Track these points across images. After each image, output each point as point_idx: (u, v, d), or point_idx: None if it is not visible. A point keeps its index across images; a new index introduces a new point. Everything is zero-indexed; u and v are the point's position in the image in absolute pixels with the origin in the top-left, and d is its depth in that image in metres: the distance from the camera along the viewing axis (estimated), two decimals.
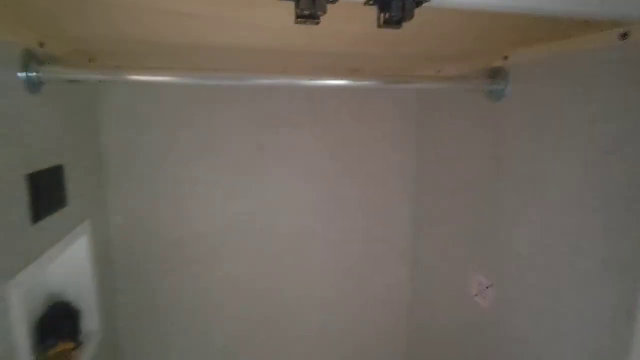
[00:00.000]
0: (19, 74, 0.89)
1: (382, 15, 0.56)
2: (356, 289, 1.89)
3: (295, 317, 1.83)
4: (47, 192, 1.01)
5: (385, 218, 1.85)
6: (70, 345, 1.15)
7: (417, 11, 0.55)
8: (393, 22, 0.55)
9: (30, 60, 0.91)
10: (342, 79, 1.10)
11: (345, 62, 1.34)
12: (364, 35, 0.89)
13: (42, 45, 0.97)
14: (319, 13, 0.53)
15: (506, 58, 1.14)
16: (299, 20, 0.55)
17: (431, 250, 1.72)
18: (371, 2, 0.55)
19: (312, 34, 0.87)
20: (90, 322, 1.33)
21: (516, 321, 1.16)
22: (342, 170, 1.76)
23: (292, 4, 0.53)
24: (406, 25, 0.56)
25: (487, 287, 1.29)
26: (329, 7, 0.53)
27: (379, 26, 0.57)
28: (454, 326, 1.52)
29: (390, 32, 0.60)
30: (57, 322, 1.18)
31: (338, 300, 1.87)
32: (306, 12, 0.53)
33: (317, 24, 0.55)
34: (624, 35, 0.80)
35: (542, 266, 1.05)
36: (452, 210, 1.51)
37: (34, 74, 0.92)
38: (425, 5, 0.55)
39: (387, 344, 1.98)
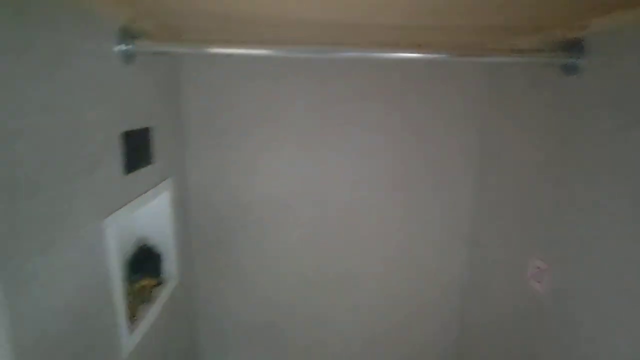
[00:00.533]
0: (117, 47, 1.05)
1: None
2: (411, 267, 1.90)
3: (351, 285, 1.91)
4: (137, 149, 1.18)
5: (446, 198, 1.83)
6: (153, 281, 1.35)
7: None
8: None
9: (125, 34, 1.06)
10: (411, 52, 1.11)
11: (412, 37, 1.33)
12: (432, 5, 0.89)
13: (134, 21, 1.12)
14: None
15: (584, 28, 1.05)
16: None
17: (490, 233, 1.67)
18: None
19: (379, 4, 0.90)
20: (170, 266, 1.54)
21: (572, 307, 1.11)
22: (404, 148, 1.77)
23: None
24: None
25: (545, 272, 1.23)
26: None
27: None
28: (509, 310, 1.48)
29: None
30: (143, 262, 1.40)
31: (391, 275, 1.91)
32: None
33: None
34: None
35: (604, 251, 0.99)
36: (515, 192, 1.44)
37: (129, 46, 1.07)
38: None
39: (439, 323, 1.99)
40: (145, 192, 1.26)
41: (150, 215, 1.47)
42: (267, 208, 1.80)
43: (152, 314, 1.31)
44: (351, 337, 1.98)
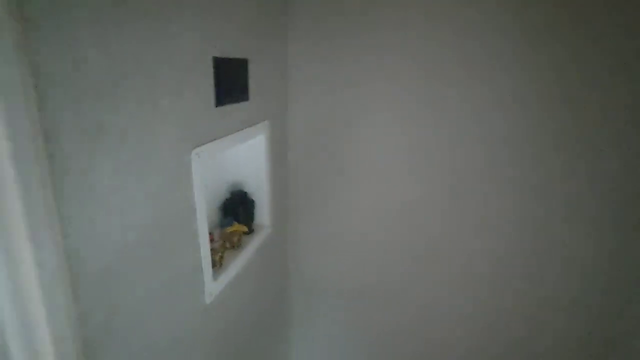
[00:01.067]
0: None
1: None
2: (537, 245, 1.54)
3: (453, 256, 1.64)
4: (231, 80, 1.06)
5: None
6: (243, 228, 1.27)
7: None
8: None
9: None
10: None
11: None
12: None
13: None
14: None
15: None
16: None
17: None
18: None
19: None
20: (262, 215, 1.46)
21: None
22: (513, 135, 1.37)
23: None
24: None
25: None
26: None
27: None
28: None
29: None
30: (235, 207, 1.32)
31: (506, 254, 1.57)
32: None
33: None
34: None
35: None
36: None
37: None
38: None
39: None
40: (239, 130, 1.15)
41: (245, 158, 1.39)
42: (366, 170, 1.60)
43: (240, 261, 1.23)
44: (447, 316, 1.72)
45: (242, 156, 1.39)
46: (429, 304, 1.73)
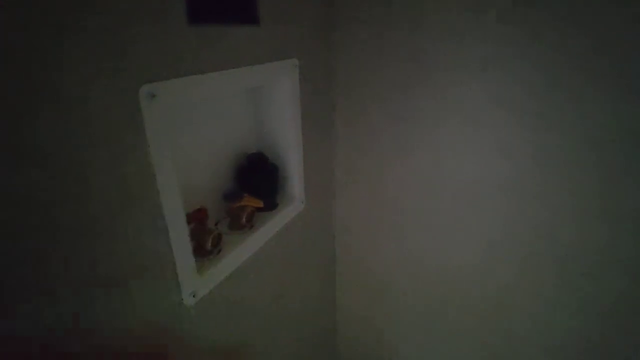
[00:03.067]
0: None
1: None
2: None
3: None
4: None
5: None
6: (257, 202, 0.96)
7: None
8: None
9: None
10: None
11: None
12: None
13: None
14: None
15: None
16: None
17: None
18: None
19: None
20: (293, 187, 1.12)
21: None
22: None
23: None
24: None
25: None
26: None
27: None
28: None
29: None
30: (250, 175, 1.01)
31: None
32: None
33: None
34: None
35: None
36: None
37: None
38: None
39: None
40: (240, 66, 0.81)
41: (266, 111, 1.05)
42: (443, 123, 1.14)
43: (249, 247, 0.92)
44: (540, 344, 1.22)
45: (264, 108, 1.05)
46: (503, 295, 1.25)
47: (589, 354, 1.15)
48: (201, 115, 0.89)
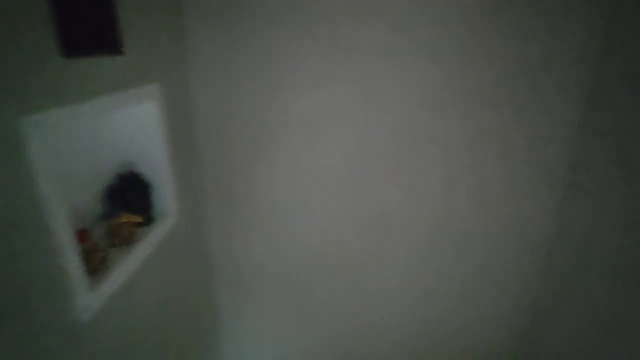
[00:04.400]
0: None
1: None
2: (479, 211, 1.46)
3: (397, 230, 1.51)
4: (85, 19, 0.78)
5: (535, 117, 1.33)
6: (136, 218, 1.02)
7: None
8: None
9: None
10: None
11: None
12: None
13: None
14: None
15: None
16: None
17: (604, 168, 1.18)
18: None
19: None
20: (165, 201, 1.20)
21: None
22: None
23: None
24: None
25: None
26: None
27: None
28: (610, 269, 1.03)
29: None
30: (125, 193, 1.06)
31: (451, 221, 1.48)
32: None
33: None
34: None
35: None
36: None
37: None
38: None
39: (511, 281, 1.56)
40: (111, 92, 0.88)
41: (133, 133, 1.11)
42: (293, 129, 1.39)
43: (134, 260, 0.98)
44: (392, 295, 1.62)
45: (130, 130, 1.11)
46: (372, 281, 1.60)
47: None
48: (77, 140, 0.91)
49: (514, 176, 1.37)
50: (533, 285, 1.52)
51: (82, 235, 0.85)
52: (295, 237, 1.56)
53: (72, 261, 0.75)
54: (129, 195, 1.06)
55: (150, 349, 1.13)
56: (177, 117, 1.24)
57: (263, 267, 1.62)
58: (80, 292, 0.78)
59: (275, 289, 1.66)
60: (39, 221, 0.68)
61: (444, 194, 1.42)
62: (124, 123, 1.09)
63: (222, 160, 1.45)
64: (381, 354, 1.73)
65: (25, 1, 0.64)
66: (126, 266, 0.95)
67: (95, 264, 0.86)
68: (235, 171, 1.46)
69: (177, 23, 1.24)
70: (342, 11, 1.21)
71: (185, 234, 1.35)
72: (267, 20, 1.24)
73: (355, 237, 1.53)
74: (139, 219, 1.03)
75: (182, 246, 1.34)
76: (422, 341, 1.68)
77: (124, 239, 0.98)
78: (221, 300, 1.71)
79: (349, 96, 1.32)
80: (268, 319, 1.73)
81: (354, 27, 1.23)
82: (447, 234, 1.48)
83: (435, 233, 1.49)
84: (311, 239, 1.56)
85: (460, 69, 1.25)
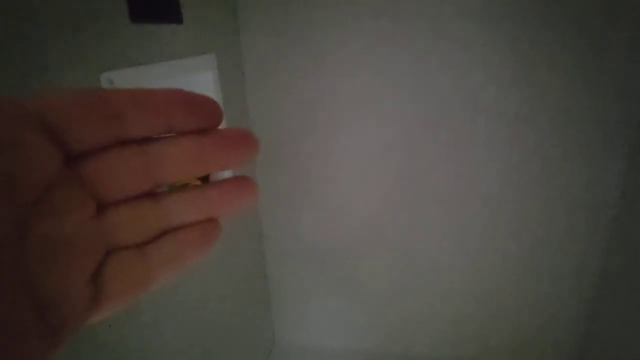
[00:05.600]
0: None
1: None
2: (539, 186, 1.39)
3: (453, 207, 1.48)
4: None
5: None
6: (197, 182, 1.08)
7: None
8: None
9: None
10: None
11: None
12: None
13: None
14: None
15: None
16: None
17: None
18: None
19: None
20: (220, 172, 1.26)
21: None
22: None
23: None
24: None
25: None
26: None
27: None
28: None
29: None
30: None
31: (510, 198, 1.43)
32: None
33: None
34: None
35: None
36: None
37: None
38: None
39: (568, 261, 1.48)
40: (170, 59, 0.93)
41: None
42: (342, 104, 1.40)
43: None
44: (443, 270, 1.59)
45: None
46: (422, 257, 1.59)
47: None
48: None
49: (574, 140, 1.29)
50: (599, 261, 1.43)
51: None
52: (344, 212, 1.57)
53: None
54: None
55: (209, 310, 1.20)
56: (231, 89, 1.30)
57: (312, 241, 1.66)
58: None
59: (324, 263, 1.69)
60: None
61: (500, 164, 1.37)
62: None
63: (272, 133, 1.49)
64: (431, 331, 1.71)
65: None
66: None
67: None
68: (283, 145, 1.50)
69: (231, 15, 1.29)
70: None
71: None
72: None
73: (407, 212, 1.52)
74: (198, 182, 1.10)
75: (237, 216, 1.40)
76: (475, 318, 1.64)
77: None
78: (272, 272, 1.77)
79: (395, 67, 1.30)
80: (317, 292, 1.77)
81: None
82: (502, 207, 1.43)
83: (490, 206, 1.44)
84: (360, 214, 1.56)
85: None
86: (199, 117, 0.18)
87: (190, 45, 1.02)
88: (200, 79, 1.13)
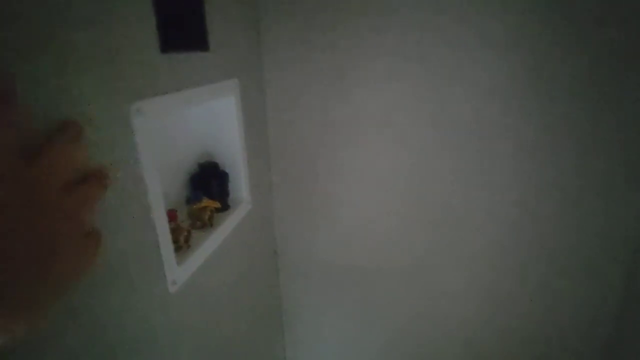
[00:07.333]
0: None
1: None
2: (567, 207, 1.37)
3: (469, 226, 1.47)
4: (180, 20, 0.87)
5: None
6: (216, 203, 1.10)
7: None
8: None
9: None
10: None
11: None
12: None
13: None
14: None
15: None
16: None
17: None
18: None
19: None
20: (239, 189, 1.27)
21: None
22: None
23: None
24: None
25: None
26: None
27: None
28: None
29: None
30: (207, 181, 1.14)
31: (530, 218, 1.40)
32: None
33: None
34: None
35: None
36: None
37: None
38: None
39: (596, 286, 1.44)
40: (197, 86, 0.96)
41: (214, 124, 1.20)
42: (362, 127, 1.41)
43: (212, 242, 1.06)
44: (459, 296, 1.56)
45: (211, 122, 1.20)
46: (438, 281, 1.57)
47: None
48: (165, 133, 1.01)
49: (595, 172, 1.27)
50: (618, 292, 1.39)
51: (171, 214, 0.93)
52: (360, 234, 1.57)
53: (165, 237, 0.83)
54: (210, 183, 1.14)
55: (224, 326, 1.20)
56: (252, 111, 1.32)
57: (327, 262, 1.66)
58: (170, 266, 0.86)
59: (339, 284, 1.68)
60: (142, 197, 0.76)
61: (519, 192, 1.36)
62: (205, 117, 1.18)
63: (290, 154, 1.51)
64: (447, 357, 1.68)
65: (137, 8, 0.73)
66: (207, 246, 1.03)
67: (181, 243, 0.94)
68: (301, 166, 1.52)
69: (254, 23, 1.32)
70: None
71: (257, 222, 1.42)
72: (338, 20, 1.28)
73: (422, 236, 1.51)
74: (218, 205, 1.11)
75: (254, 234, 1.41)
76: (491, 346, 1.60)
77: (203, 222, 1.06)
78: (285, 292, 1.77)
79: (417, 92, 1.31)
80: (330, 313, 1.75)
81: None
82: (520, 234, 1.41)
83: (507, 234, 1.42)
84: (377, 236, 1.56)
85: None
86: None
87: (215, 71, 1.05)
88: (223, 103, 1.15)
